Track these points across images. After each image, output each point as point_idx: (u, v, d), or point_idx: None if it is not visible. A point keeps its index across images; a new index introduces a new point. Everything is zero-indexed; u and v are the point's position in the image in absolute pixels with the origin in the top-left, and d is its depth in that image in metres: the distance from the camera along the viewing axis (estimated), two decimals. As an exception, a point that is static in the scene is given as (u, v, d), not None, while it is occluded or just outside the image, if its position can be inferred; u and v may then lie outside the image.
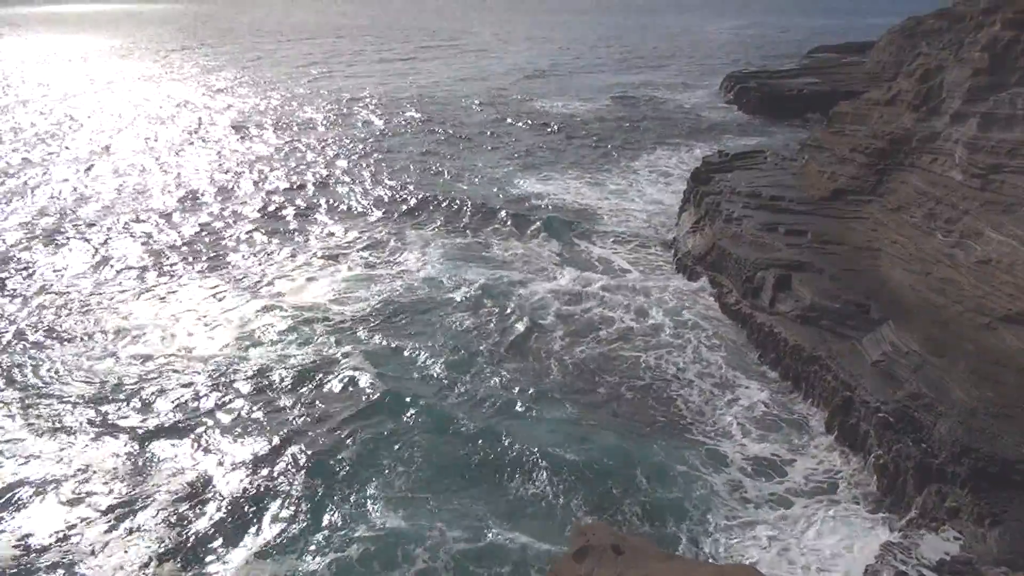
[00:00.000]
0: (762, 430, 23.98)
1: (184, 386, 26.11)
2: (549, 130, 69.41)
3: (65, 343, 29.20)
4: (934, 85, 32.31)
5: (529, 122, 72.76)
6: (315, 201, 48.12)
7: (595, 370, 27.62)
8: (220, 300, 33.26)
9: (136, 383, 26.18)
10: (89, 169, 55.32)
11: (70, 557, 18.64)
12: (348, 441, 23.26)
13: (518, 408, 25.17)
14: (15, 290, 33.98)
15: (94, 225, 43.11)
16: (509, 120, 73.62)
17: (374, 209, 46.47)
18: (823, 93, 68.99)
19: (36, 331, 30.07)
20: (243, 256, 38.64)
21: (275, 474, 21.76)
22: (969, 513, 18.35)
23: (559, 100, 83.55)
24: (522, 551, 18.74)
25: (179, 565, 18.46)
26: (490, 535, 19.26)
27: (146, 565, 18.39)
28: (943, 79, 31.81)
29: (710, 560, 18.30)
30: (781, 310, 28.41)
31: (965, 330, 23.62)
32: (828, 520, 20.01)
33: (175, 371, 27.05)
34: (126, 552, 18.73)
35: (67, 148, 61.78)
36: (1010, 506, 17.83)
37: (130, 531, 19.50)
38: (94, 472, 21.71)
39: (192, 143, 63.74)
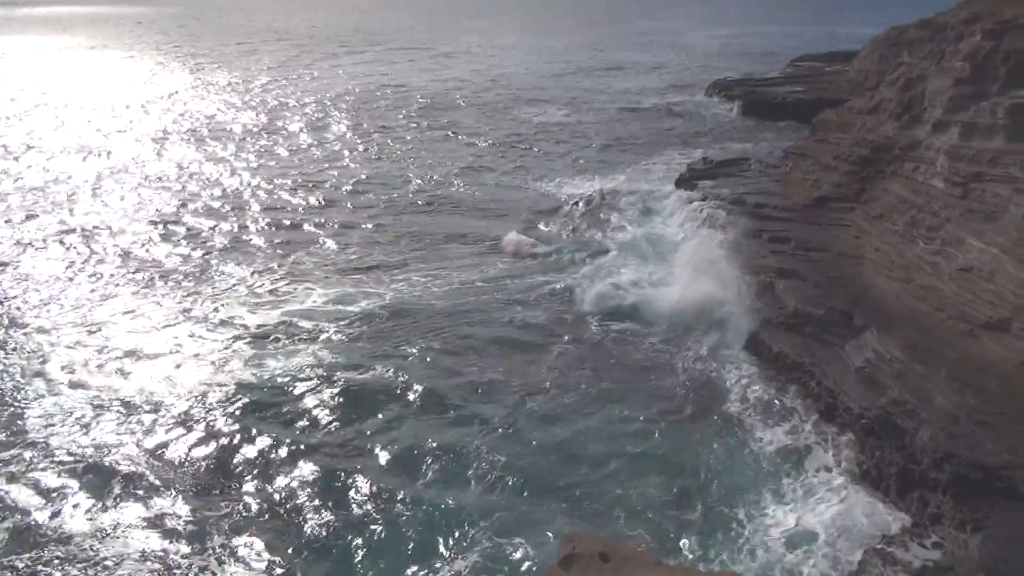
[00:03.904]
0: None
1: (181, 407, 25.47)
2: (543, 135, 69.19)
3: (35, 371, 27.66)
4: (916, 94, 32.65)
5: (522, 128, 72.50)
6: (307, 210, 47.26)
7: (596, 375, 27.79)
8: (216, 314, 32.29)
9: (120, 407, 25.33)
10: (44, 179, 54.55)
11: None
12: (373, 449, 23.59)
13: (534, 407, 25.65)
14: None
15: (58, 239, 41.28)
16: (503, 126, 73.35)
17: (371, 218, 45.44)
18: (807, 101, 69.48)
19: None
20: (237, 271, 37.17)
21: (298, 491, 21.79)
22: (951, 519, 18.48)
23: (550, 106, 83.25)
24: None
25: None
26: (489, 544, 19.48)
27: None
28: (925, 88, 32.12)
29: (699, 567, 18.28)
30: (765, 317, 28.54)
31: (947, 337, 23.83)
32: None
33: (160, 396, 26.08)
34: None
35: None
36: (992, 513, 17.98)
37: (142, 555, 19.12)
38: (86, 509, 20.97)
39: (159, 151, 61.95)
